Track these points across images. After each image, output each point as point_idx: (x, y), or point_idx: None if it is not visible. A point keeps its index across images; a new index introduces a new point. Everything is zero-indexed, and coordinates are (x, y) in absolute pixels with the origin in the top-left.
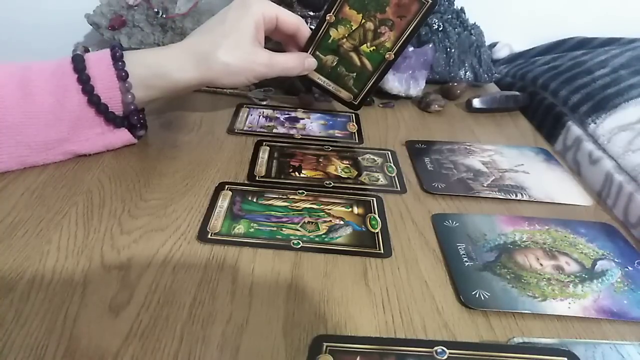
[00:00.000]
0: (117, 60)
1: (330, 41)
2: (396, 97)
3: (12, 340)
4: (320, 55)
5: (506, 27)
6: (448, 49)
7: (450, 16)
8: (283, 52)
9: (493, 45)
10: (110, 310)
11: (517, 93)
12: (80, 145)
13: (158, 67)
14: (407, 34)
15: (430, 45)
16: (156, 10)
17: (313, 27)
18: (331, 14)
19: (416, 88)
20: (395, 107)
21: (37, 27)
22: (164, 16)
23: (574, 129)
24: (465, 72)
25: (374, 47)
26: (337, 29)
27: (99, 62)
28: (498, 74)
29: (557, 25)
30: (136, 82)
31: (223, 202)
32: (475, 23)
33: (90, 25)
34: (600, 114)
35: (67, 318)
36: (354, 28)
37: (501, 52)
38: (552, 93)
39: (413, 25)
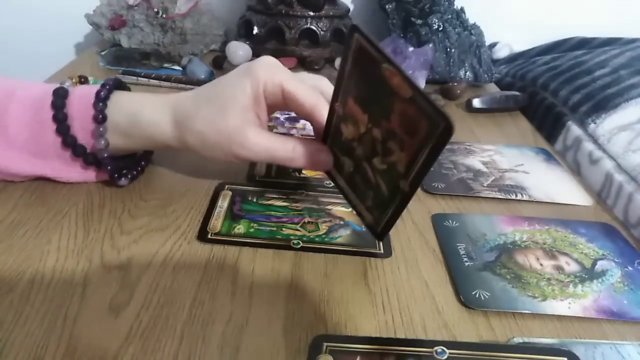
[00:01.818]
0: (100, 100)
1: (343, 139)
2: None
3: (12, 340)
4: (338, 152)
5: (506, 27)
6: (448, 49)
7: (450, 16)
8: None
9: (493, 45)
10: (110, 310)
11: (517, 93)
12: (63, 179)
13: (136, 116)
14: (420, 161)
15: (430, 45)
16: (156, 10)
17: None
18: (338, 103)
19: None
20: None
21: (37, 27)
22: (164, 16)
23: (574, 129)
24: (465, 72)
25: (386, 166)
26: (346, 127)
27: (81, 100)
28: (498, 74)
29: (557, 25)
30: (113, 127)
31: (223, 202)
32: (475, 23)
33: (90, 25)
34: (600, 114)
35: (67, 318)
36: (361, 131)
37: (501, 52)
38: (552, 93)
39: (425, 152)
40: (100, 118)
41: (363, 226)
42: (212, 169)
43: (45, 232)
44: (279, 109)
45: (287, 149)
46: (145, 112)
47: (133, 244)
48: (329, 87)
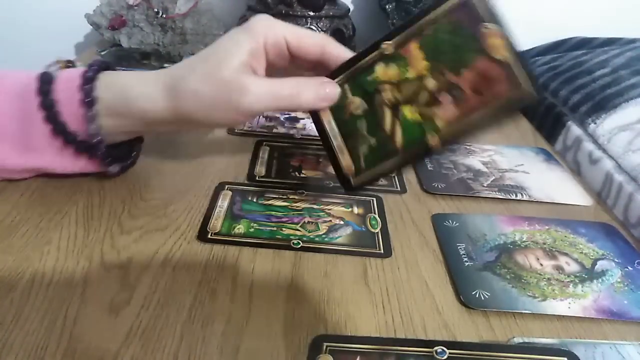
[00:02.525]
0: (87, 81)
1: (369, 78)
2: None
3: (11, 340)
4: (348, 91)
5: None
6: None
7: None
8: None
9: None
10: (110, 310)
11: None
12: (56, 170)
13: (125, 92)
14: (473, 119)
15: None
16: (156, 10)
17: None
18: (391, 42)
19: None
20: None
21: (37, 27)
22: (164, 16)
23: (574, 129)
24: None
25: (419, 117)
26: (386, 67)
27: (67, 84)
28: None
29: (557, 25)
30: (103, 109)
31: (223, 202)
32: None
33: (90, 25)
34: (601, 114)
35: (67, 318)
36: (408, 76)
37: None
38: (552, 93)
39: (488, 110)
40: (88, 101)
41: (333, 170)
42: (212, 169)
43: (45, 232)
44: (282, 65)
45: (291, 85)
46: (135, 85)
47: (133, 244)
48: (331, 39)
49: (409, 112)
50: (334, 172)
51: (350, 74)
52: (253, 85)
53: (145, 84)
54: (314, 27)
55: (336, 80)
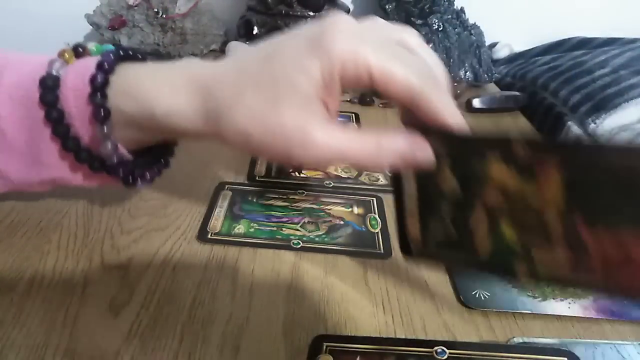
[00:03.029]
0: (97, 89)
1: (479, 168)
2: None
3: (12, 340)
4: (446, 165)
5: (506, 27)
6: (448, 49)
7: (450, 16)
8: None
9: (493, 45)
10: (110, 310)
11: (517, 93)
12: (73, 183)
13: (149, 104)
14: (579, 281)
15: (430, 45)
16: (156, 10)
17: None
18: (526, 144)
19: None
20: (395, 107)
21: (37, 27)
22: (164, 16)
23: (574, 129)
24: (465, 72)
25: (517, 244)
26: (507, 171)
27: (76, 92)
28: (498, 74)
29: (557, 25)
30: (120, 119)
31: (223, 202)
32: (475, 23)
33: (90, 25)
34: (601, 114)
35: (67, 318)
36: (528, 197)
37: (501, 52)
38: (552, 93)
39: (603, 287)
40: (100, 116)
41: (398, 236)
42: (212, 169)
43: (45, 232)
44: (358, 87)
45: (370, 148)
46: (162, 97)
47: (133, 244)
48: (440, 68)
49: (509, 231)
50: (397, 232)
51: (457, 148)
52: (319, 143)
53: (174, 97)
54: None
55: (436, 143)
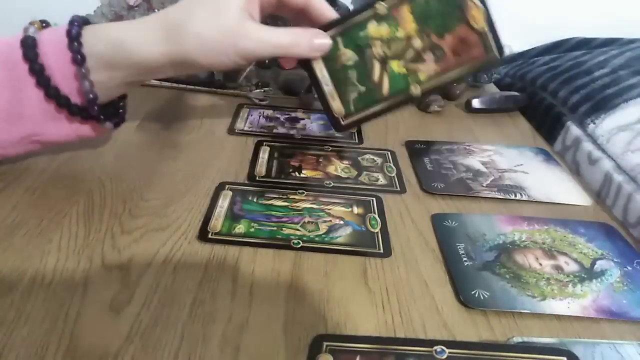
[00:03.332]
0: (73, 39)
1: (362, 34)
2: None
3: (12, 339)
4: (341, 44)
5: (505, 28)
6: None
7: None
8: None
9: None
10: (111, 310)
11: (516, 93)
12: (48, 137)
13: (121, 41)
14: (449, 75)
15: None
16: (156, 10)
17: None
18: (384, 3)
19: None
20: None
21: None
22: None
23: (573, 129)
24: None
25: (405, 70)
26: (378, 25)
27: (53, 45)
28: (497, 74)
29: (556, 26)
30: (95, 62)
31: (223, 202)
32: None
33: None
34: (600, 114)
35: (68, 318)
36: (398, 35)
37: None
38: (551, 93)
39: (463, 69)
40: (79, 59)
41: (325, 114)
42: (213, 169)
43: (45, 232)
44: (269, 11)
45: (289, 34)
46: (130, 32)
47: (134, 244)
48: None
49: (396, 66)
50: (323, 112)
51: (343, 28)
52: (255, 32)
53: (140, 29)
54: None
55: (329, 32)
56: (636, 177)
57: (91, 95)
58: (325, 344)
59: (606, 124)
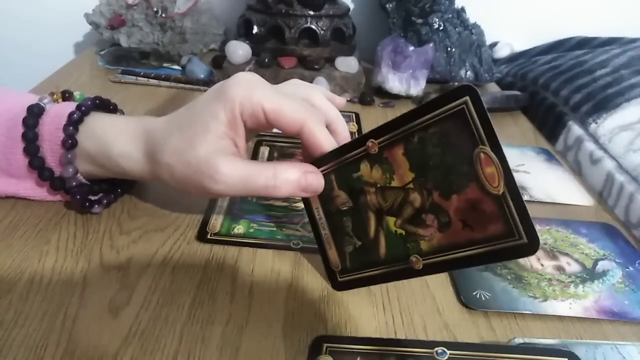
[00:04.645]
0: (71, 124)
1: (355, 175)
2: (396, 97)
3: (11, 340)
4: (334, 182)
5: (507, 27)
6: (449, 49)
7: (451, 15)
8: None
9: (494, 44)
10: (110, 311)
11: (517, 93)
12: (32, 197)
13: (107, 146)
14: (458, 256)
15: (431, 45)
16: (155, 9)
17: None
18: (375, 142)
19: (417, 88)
20: (396, 107)
21: (37, 27)
22: (163, 15)
23: (575, 129)
24: (466, 72)
25: (402, 231)
26: (371, 168)
27: (54, 118)
28: (499, 73)
29: (557, 25)
30: (83, 154)
31: (223, 202)
32: (476, 22)
33: (90, 24)
34: (601, 114)
35: (67, 318)
36: (392, 184)
37: (502, 52)
38: (553, 93)
39: (476, 252)
40: (68, 143)
41: (323, 262)
42: None
43: (44, 232)
44: (263, 130)
45: (267, 176)
46: (117, 142)
47: (132, 244)
48: (321, 100)
49: (392, 224)
50: (321, 258)
51: (337, 165)
52: (224, 173)
53: (126, 143)
54: (314, 27)
55: (322, 169)
56: (638, 177)
57: (73, 183)
58: (325, 345)
59: (608, 124)
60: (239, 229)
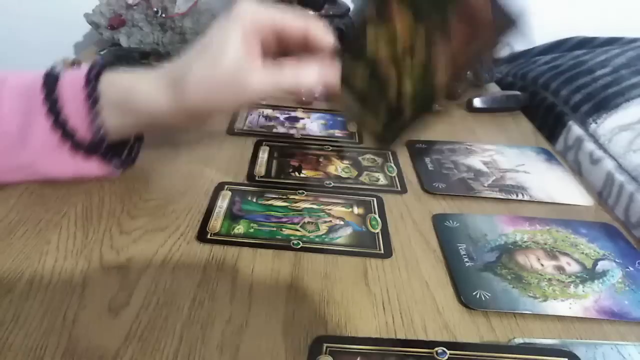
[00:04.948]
0: (91, 80)
1: (365, 45)
2: None
3: (11, 340)
4: (350, 64)
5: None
6: None
7: None
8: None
9: None
10: (110, 311)
11: (517, 93)
12: (48, 170)
13: (130, 90)
14: (468, 54)
15: None
16: (155, 9)
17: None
18: (374, 7)
19: None
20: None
21: (37, 27)
22: (164, 15)
23: (575, 129)
24: (466, 72)
25: (419, 68)
26: (376, 30)
27: (72, 82)
28: (499, 73)
29: (557, 25)
30: (108, 106)
31: (223, 202)
32: None
33: (90, 24)
34: (601, 114)
35: (67, 318)
36: (398, 34)
37: (501, 52)
38: (553, 93)
39: (480, 45)
40: (92, 98)
41: (369, 136)
42: (212, 169)
43: (44, 232)
44: (271, 48)
45: (290, 73)
46: (140, 83)
47: (132, 244)
48: (314, 20)
49: (409, 65)
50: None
51: (347, 47)
52: (255, 79)
53: (147, 83)
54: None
55: (335, 59)
56: (638, 177)
57: (101, 132)
58: (325, 345)
59: (608, 124)
60: (239, 229)
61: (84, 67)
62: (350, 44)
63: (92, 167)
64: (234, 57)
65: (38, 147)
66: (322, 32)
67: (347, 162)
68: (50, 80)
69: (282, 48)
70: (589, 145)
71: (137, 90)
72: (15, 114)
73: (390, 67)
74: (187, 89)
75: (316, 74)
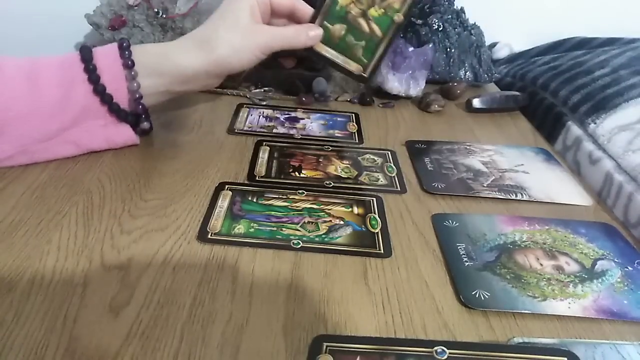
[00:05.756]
0: (124, 49)
1: (338, 8)
2: (396, 97)
3: (12, 340)
4: (329, 25)
5: (506, 27)
6: (448, 49)
7: (450, 16)
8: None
9: (493, 45)
10: (111, 310)
11: (517, 93)
12: (80, 136)
13: (163, 55)
14: None
15: (430, 45)
16: (156, 10)
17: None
18: None
19: (416, 88)
20: (395, 107)
21: (37, 27)
22: (164, 16)
23: (574, 129)
24: (465, 72)
25: (383, 10)
26: None
27: (106, 54)
28: (498, 74)
29: (557, 25)
30: (142, 69)
31: (223, 202)
32: (475, 23)
33: (90, 25)
34: (600, 114)
35: (67, 318)
36: None
37: (501, 52)
38: (552, 93)
39: None
40: (129, 63)
41: (352, 79)
42: (212, 169)
43: (45, 232)
44: (266, 21)
45: (292, 30)
46: (173, 48)
47: (133, 244)
48: None
49: (374, 11)
50: (349, 77)
51: (324, 13)
52: (267, 30)
53: (179, 47)
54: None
55: (317, 22)
56: (637, 177)
57: (138, 95)
58: (325, 344)
59: (607, 124)
60: (240, 228)
61: (112, 44)
62: (325, 10)
63: (121, 133)
64: (248, 17)
65: (77, 113)
66: (304, 6)
67: (347, 162)
68: (86, 52)
69: (274, 17)
70: (588, 146)
71: (171, 54)
72: (53, 86)
73: (361, 19)
74: (216, 44)
75: (306, 30)
